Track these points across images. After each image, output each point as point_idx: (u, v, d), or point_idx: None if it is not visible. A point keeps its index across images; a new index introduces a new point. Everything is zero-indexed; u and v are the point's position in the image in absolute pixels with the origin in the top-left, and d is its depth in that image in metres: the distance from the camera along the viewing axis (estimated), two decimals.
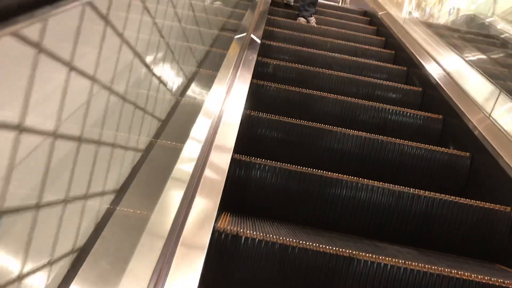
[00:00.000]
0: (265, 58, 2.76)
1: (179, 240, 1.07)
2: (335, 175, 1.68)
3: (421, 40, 3.32)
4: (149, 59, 1.22)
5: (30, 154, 0.61)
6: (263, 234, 1.28)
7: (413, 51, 3.20)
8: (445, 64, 2.76)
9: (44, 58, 0.61)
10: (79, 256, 0.85)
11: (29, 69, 0.58)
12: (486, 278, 1.28)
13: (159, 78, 1.35)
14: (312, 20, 4.21)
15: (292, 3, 4.82)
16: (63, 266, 0.80)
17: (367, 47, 3.62)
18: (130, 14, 0.97)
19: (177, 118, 1.44)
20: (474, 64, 2.50)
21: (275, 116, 2.02)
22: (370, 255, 1.28)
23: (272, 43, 3.13)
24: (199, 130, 1.48)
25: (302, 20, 4.13)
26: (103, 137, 0.94)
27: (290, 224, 1.64)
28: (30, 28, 0.54)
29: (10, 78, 0.56)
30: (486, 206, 1.67)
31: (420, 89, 2.79)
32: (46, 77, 0.64)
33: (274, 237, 1.28)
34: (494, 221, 1.66)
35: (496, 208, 1.66)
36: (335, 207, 1.66)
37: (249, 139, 1.98)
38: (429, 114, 2.40)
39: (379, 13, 4.54)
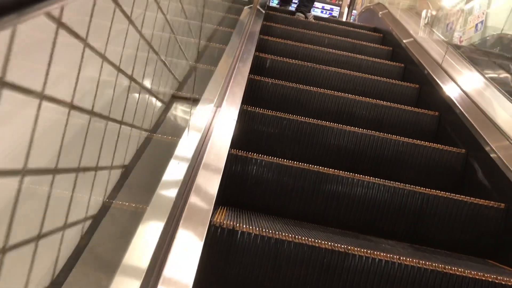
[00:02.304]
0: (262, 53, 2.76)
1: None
2: (331, 170, 1.69)
3: (475, 94, 2.13)
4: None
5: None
6: (259, 228, 1.29)
7: (475, 125, 1.99)
8: None
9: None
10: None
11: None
12: (479, 274, 1.29)
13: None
14: (310, 15, 4.28)
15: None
16: None
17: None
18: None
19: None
20: None
21: (272, 112, 2.02)
22: (365, 250, 1.29)
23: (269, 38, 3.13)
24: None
25: (300, 16, 4.19)
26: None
27: (286, 219, 1.64)
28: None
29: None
30: (480, 203, 1.68)
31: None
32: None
33: (270, 231, 1.28)
34: (488, 217, 1.67)
35: (491, 205, 1.68)
36: (331, 202, 1.67)
37: (245, 134, 1.98)
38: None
39: (404, 41, 3.30)
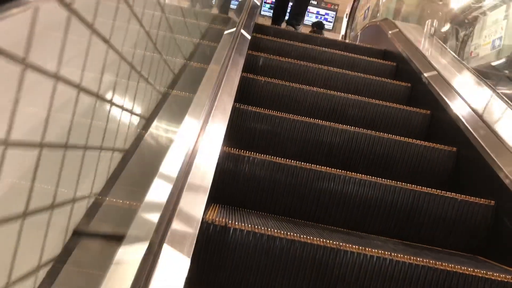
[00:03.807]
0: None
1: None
2: (323, 168, 1.70)
3: None
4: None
5: None
6: (251, 225, 1.29)
7: None
8: None
9: None
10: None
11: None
12: (469, 269, 1.31)
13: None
14: (300, 28, 4.46)
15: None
16: None
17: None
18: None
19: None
20: None
21: (264, 110, 2.03)
22: (356, 246, 1.30)
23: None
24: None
25: (290, 28, 4.37)
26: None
27: (279, 216, 1.65)
28: None
29: None
30: (471, 200, 1.70)
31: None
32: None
33: (262, 228, 1.29)
34: (478, 214, 1.69)
35: (480, 202, 1.69)
36: (323, 199, 1.67)
37: (238, 132, 1.98)
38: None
39: (425, 74, 2.55)
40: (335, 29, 11.27)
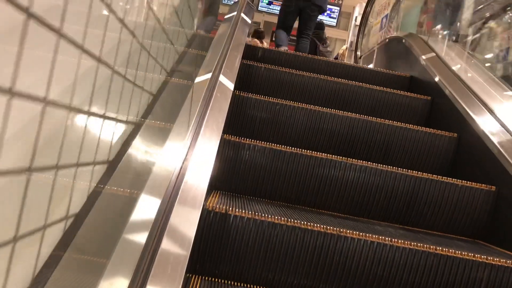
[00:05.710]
0: None
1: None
2: (323, 155, 1.69)
3: None
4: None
5: None
6: (252, 212, 1.29)
7: None
8: None
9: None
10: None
11: None
12: (469, 254, 1.31)
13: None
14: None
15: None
16: None
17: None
18: None
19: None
20: None
21: (264, 97, 2.02)
22: (357, 232, 1.30)
23: None
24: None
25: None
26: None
27: (279, 202, 1.66)
28: None
29: None
30: (471, 186, 1.70)
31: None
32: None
33: (263, 215, 1.29)
34: (479, 200, 1.69)
35: (481, 188, 1.69)
36: (324, 186, 1.67)
37: (238, 119, 1.98)
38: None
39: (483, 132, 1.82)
40: (339, 25, 10.78)
